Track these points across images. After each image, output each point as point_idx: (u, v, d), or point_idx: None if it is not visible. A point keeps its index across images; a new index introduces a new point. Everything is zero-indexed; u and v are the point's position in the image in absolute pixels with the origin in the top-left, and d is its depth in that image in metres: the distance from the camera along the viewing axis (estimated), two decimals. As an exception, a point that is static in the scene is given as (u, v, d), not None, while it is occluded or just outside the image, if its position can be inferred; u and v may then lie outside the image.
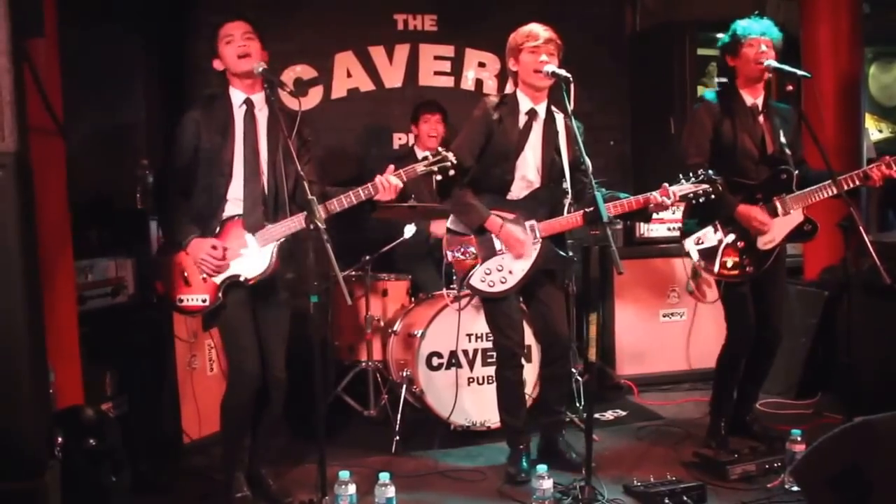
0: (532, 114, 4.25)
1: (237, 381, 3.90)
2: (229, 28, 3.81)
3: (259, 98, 3.90)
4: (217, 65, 3.86)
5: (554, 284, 4.38)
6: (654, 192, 4.04)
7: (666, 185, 4.05)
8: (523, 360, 4.46)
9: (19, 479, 2.81)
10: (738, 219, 4.39)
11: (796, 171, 4.40)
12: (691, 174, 4.04)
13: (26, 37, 3.11)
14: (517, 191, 4.26)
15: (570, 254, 4.37)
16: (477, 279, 4.25)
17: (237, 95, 3.88)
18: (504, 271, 4.22)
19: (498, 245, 4.23)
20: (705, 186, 4.01)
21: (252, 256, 3.81)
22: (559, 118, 4.27)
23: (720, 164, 4.24)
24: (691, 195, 4.03)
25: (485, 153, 4.24)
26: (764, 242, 4.43)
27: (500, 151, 4.21)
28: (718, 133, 4.41)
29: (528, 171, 4.24)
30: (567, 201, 4.17)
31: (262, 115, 3.91)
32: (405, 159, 4.58)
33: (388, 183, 3.79)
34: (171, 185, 3.87)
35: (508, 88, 6.61)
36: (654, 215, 4.29)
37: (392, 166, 3.86)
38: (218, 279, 3.81)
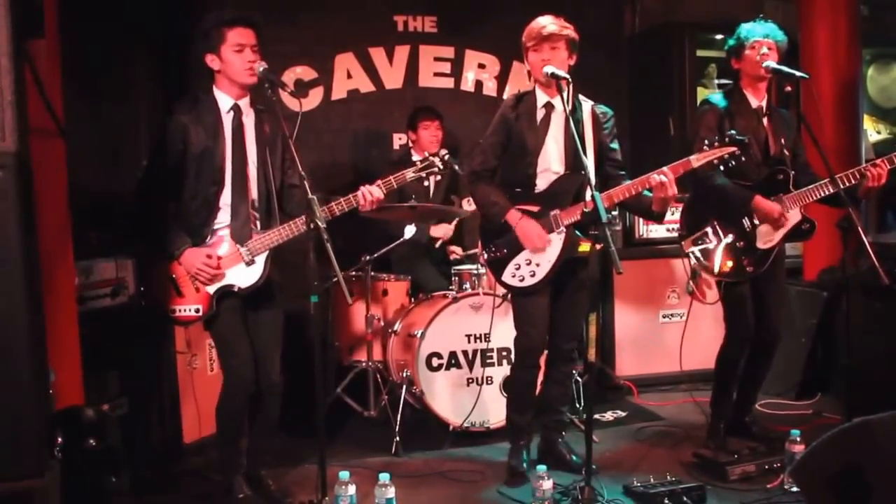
0: (549, 107, 4.24)
1: (231, 387, 3.89)
2: (240, 35, 3.73)
3: (245, 103, 3.87)
4: (212, 62, 3.79)
5: (577, 280, 4.33)
6: (651, 174, 4.00)
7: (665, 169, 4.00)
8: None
9: (19, 479, 2.81)
10: (756, 211, 4.40)
11: (793, 172, 4.41)
12: (715, 139, 3.98)
13: (27, 38, 3.11)
14: (543, 184, 4.25)
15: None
16: (508, 275, 4.25)
17: (224, 100, 3.83)
18: (532, 264, 4.20)
19: None
20: (731, 149, 3.93)
21: (244, 266, 3.80)
22: (586, 107, 4.25)
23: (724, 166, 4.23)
24: (716, 160, 3.97)
25: (508, 151, 4.27)
26: (763, 242, 4.44)
27: (521, 147, 4.23)
28: (722, 134, 4.40)
29: (552, 164, 4.23)
30: (589, 190, 4.12)
31: (248, 120, 3.88)
32: (400, 164, 4.58)
33: (371, 195, 3.81)
34: (159, 190, 3.79)
35: (510, 87, 6.71)
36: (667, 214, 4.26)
37: (379, 182, 3.87)
38: (211, 289, 3.80)
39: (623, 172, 4.30)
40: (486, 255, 4.34)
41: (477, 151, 4.37)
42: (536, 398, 4.56)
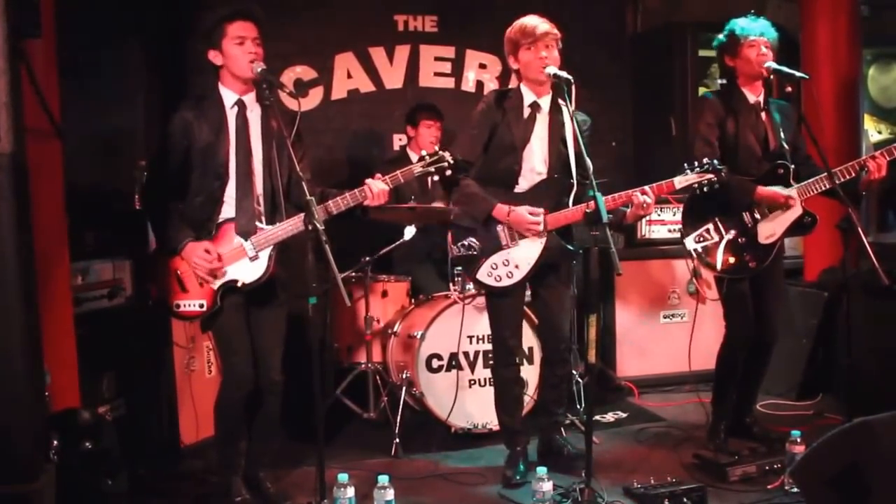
0: (535, 106, 4.23)
1: (229, 384, 3.89)
2: (241, 28, 3.74)
3: (250, 99, 3.86)
4: (215, 58, 3.79)
5: (559, 281, 4.34)
6: (635, 191, 4.00)
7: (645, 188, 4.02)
8: (525, 362, 4.44)
9: (13, 482, 2.80)
10: (762, 201, 4.39)
11: (793, 166, 4.40)
12: (696, 164, 3.99)
13: (23, 37, 3.11)
14: (525, 183, 4.23)
15: (575, 247, 4.30)
16: (484, 274, 4.22)
17: (229, 96, 3.84)
18: (511, 265, 4.18)
19: (503, 239, 4.19)
20: (709, 176, 3.95)
21: (248, 261, 3.80)
22: (566, 110, 4.21)
23: (724, 162, 4.22)
24: (695, 185, 3.98)
25: (490, 147, 4.23)
26: (765, 237, 4.43)
27: (505, 144, 4.20)
28: (722, 131, 4.41)
29: (535, 163, 4.21)
30: (573, 193, 4.12)
31: (253, 115, 3.87)
32: (397, 163, 4.58)
33: (375, 189, 3.78)
34: (163, 187, 3.83)
35: (512, 86, 6.69)
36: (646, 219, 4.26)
37: (379, 174, 3.84)
38: (215, 284, 3.79)
39: (588, 182, 4.27)
40: (457, 250, 4.29)
41: (455, 144, 4.32)
42: (525, 396, 4.54)
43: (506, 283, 4.20)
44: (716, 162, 3.99)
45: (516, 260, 4.19)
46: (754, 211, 4.44)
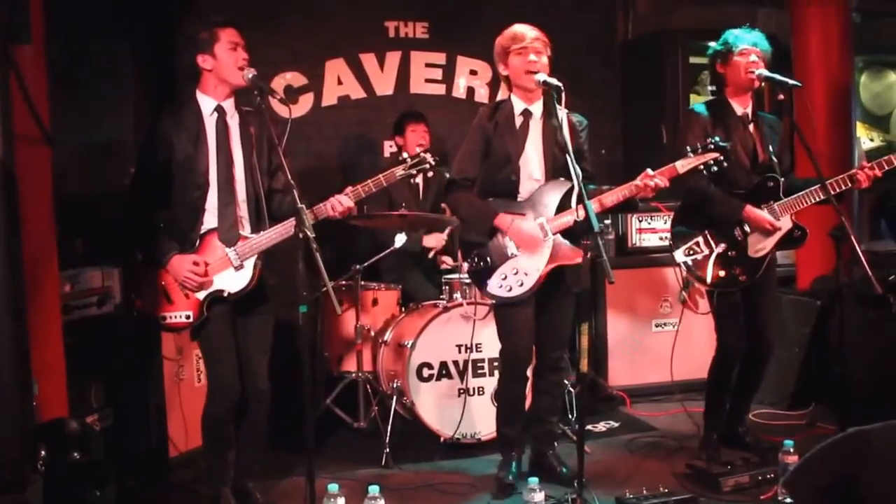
0: (527, 114, 4.22)
1: (216, 393, 3.87)
2: (234, 35, 3.76)
3: (229, 105, 3.85)
4: (204, 62, 3.78)
5: (565, 291, 4.29)
6: (635, 181, 4.02)
7: (648, 170, 4.01)
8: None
9: (0, 493, 2.77)
10: (746, 221, 4.38)
11: (782, 179, 4.39)
12: (699, 145, 3.97)
13: (13, 43, 3.09)
14: (525, 192, 4.22)
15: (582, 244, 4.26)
16: (494, 286, 4.19)
17: (207, 102, 3.82)
18: (520, 273, 4.16)
19: (510, 249, 4.17)
20: (714, 155, 3.93)
21: (234, 271, 3.78)
22: (562, 114, 4.19)
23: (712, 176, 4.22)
24: (701, 166, 3.95)
25: (488, 160, 4.24)
26: (755, 250, 4.42)
27: (501, 155, 4.20)
28: (707, 141, 4.39)
29: (533, 171, 4.21)
30: (574, 195, 4.09)
31: (233, 122, 3.86)
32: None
33: (340, 205, 3.78)
34: (146, 199, 3.80)
35: (502, 94, 6.67)
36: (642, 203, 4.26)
37: (350, 187, 3.84)
38: (201, 295, 3.77)
39: (590, 183, 4.27)
40: (468, 266, 4.29)
41: (454, 161, 4.34)
42: (526, 409, 4.52)
43: (517, 292, 4.17)
44: (718, 139, 3.97)
45: (525, 268, 4.16)
46: (744, 224, 4.43)
